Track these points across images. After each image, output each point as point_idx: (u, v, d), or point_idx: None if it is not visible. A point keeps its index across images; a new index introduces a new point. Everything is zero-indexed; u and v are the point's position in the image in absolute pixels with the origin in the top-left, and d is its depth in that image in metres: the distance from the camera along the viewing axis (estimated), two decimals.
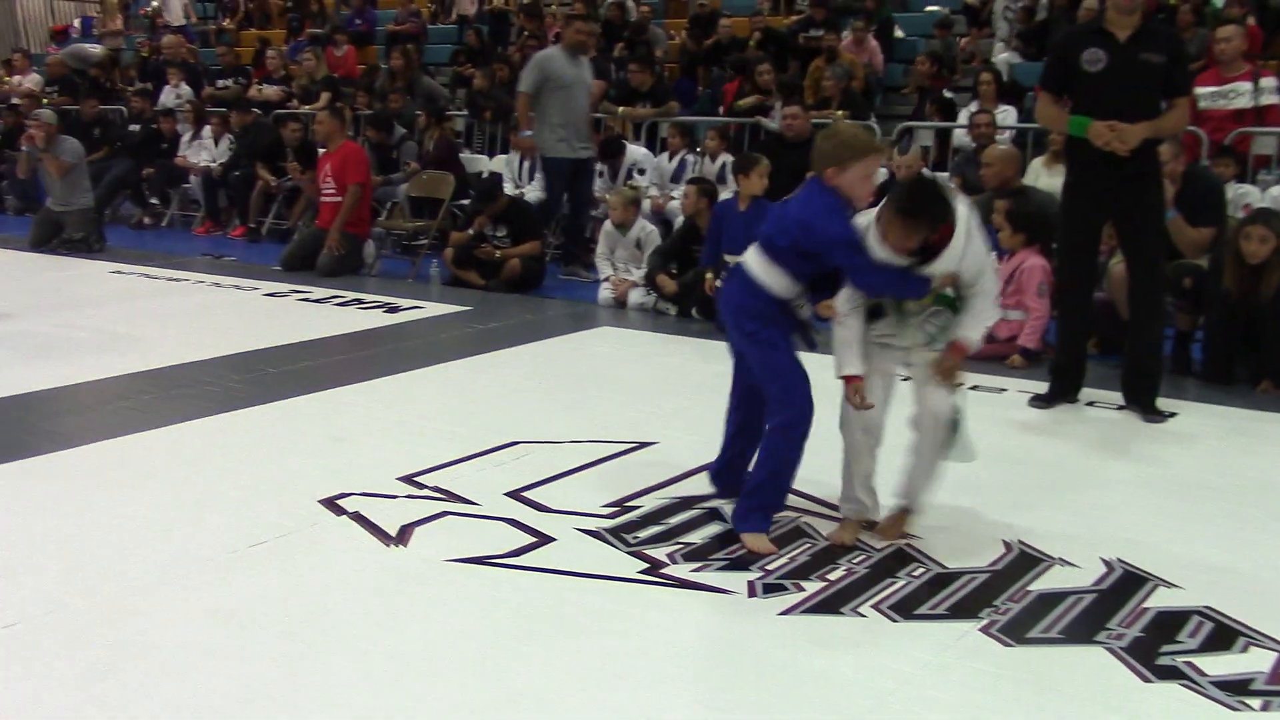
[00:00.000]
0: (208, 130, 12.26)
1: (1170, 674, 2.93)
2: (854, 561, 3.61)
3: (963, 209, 3.57)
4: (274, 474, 4.37)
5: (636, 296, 7.82)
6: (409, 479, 4.29)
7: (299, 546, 3.68)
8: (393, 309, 7.76)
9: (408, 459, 4.50)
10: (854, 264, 3.55)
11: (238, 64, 14.67)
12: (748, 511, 3.78)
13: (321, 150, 10.00)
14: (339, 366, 6.23)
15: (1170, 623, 3.20)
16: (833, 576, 3.49)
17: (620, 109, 10.87)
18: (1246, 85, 8.18)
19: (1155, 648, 3.06)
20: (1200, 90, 8.32)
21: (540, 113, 8.89)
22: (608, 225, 8.30)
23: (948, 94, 10.50)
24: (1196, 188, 6.40)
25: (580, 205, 9.21)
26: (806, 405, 3.72)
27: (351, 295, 8.25)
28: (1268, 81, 8.31)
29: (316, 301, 8.06)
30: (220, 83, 14.04)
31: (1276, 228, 5.76)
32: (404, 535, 3.76)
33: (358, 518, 3.91)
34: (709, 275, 7.07)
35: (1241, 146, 8.02)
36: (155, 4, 18.55)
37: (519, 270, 8.50)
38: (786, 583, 3.44)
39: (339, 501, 4.05)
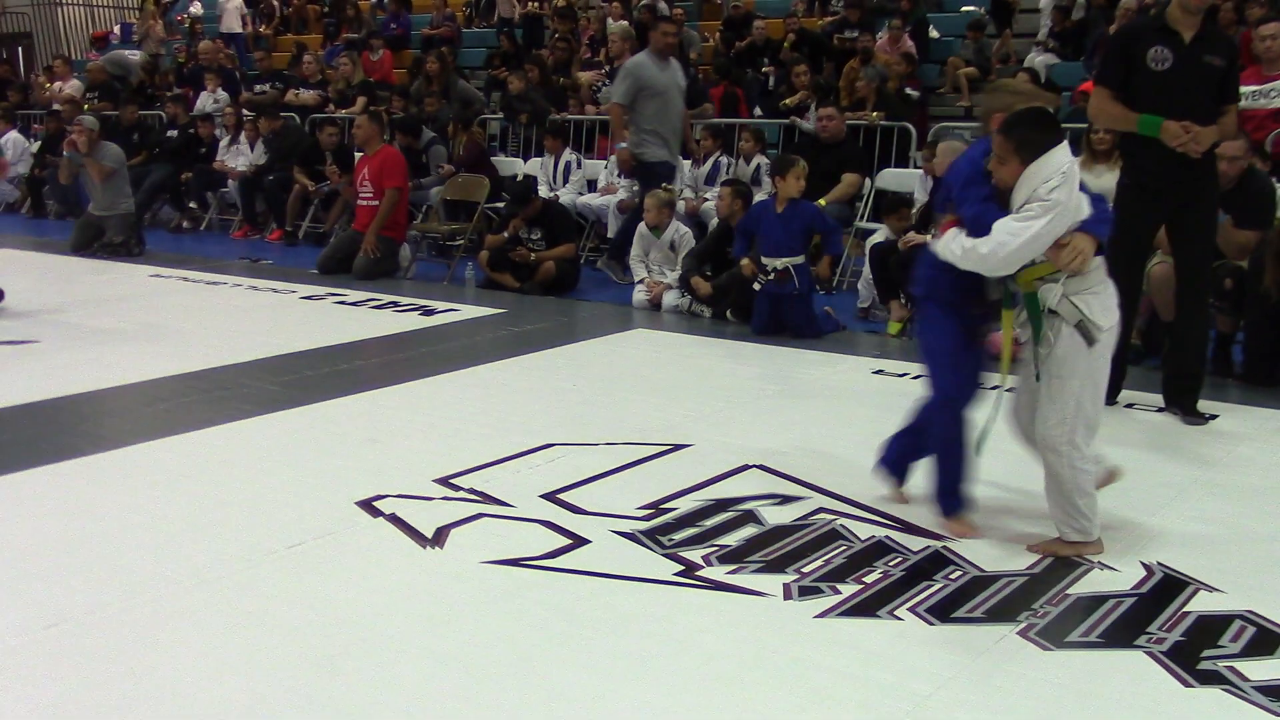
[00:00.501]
0: (244, 135, 12.37)
1: (1212, 679, 2.89)
2: (890, 564, 3.59)
3: (1064, 156, 3.46)
4: (311, 476, 4.40)
5: (671, 299, 7.82)
6: (445, 481, 4.31)
7: (336, 548, 3.70)
8: (428, 311, 7.79)
9: (443, 461, 4.52)
10: (964, 196, 3.56)
11: (274, 69, 14.78)
12: (935, 498, 3.87)
13: (359, 154, 10.06)
14: (375, 369, 6.27)
15: (1212, 627, 3.17)
16: (869, 579, 3.48)
17: None
18: None
19: (1197, 652, 3.02)
20: (1240, 89, 8.20)
21: (635, 121, 8.70)
22: (642, 227, 8.31)
23: (911, 91, 10.58)
24: (1250, 191, 6.28)
25: None
26: (955, 386, 3.77)
27: (387, 298, 8.30)
28: None
29: (353, 304, 8.11)
30: (258, 88, 14.16)
31: None
32: (440, 537, 3.78)
33: (394, 519, 3.93)
34: (745, 261, 7.03)
35: (1277, 147, 7.90)
36: (193, 10, 18.73)
37: (554, 272, 8.51)
38: (823, 585, 3.43)
39: (375, 503, 4.07)
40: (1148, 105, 5.02)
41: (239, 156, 12.31)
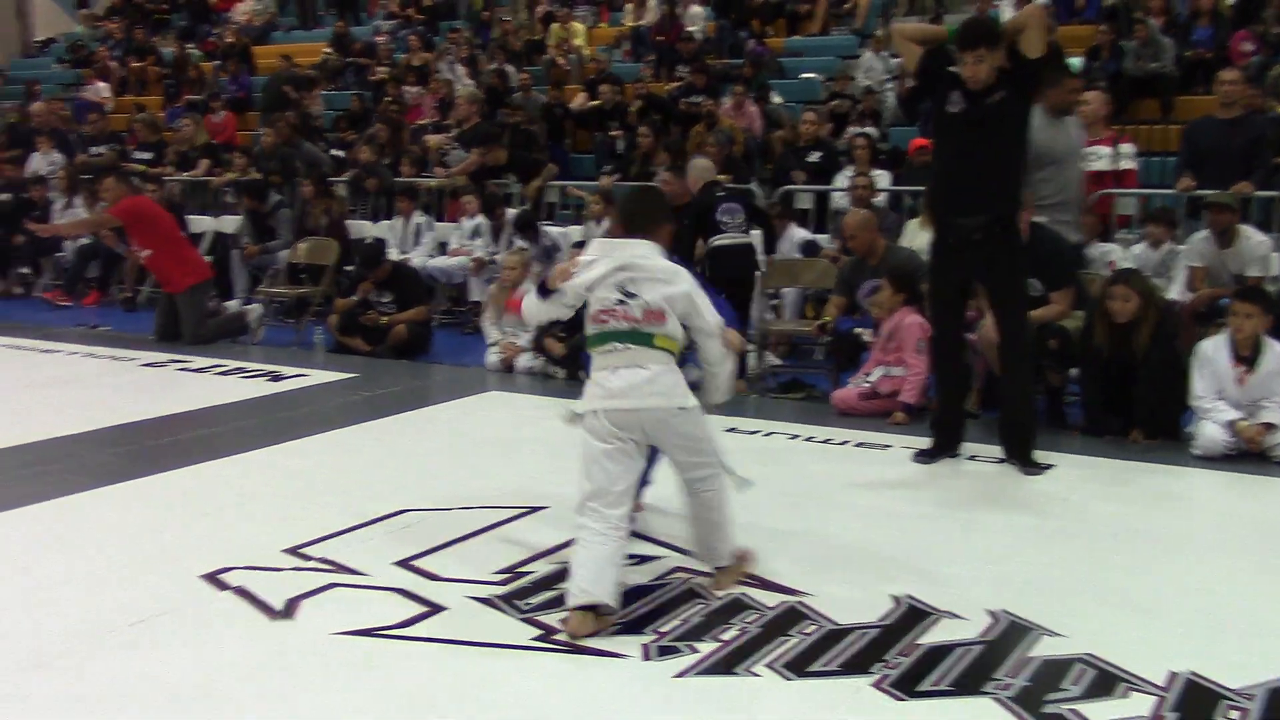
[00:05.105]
0: (80, 199, 11.95)
1: None
2: (747, 621, 3.62)
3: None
4: (153, 549, 4.24)
5: (524, 360, 7.81)
6: (295, 550, 4.20)
7: (181, 623, 3.57)
8: (276, 377, 7.62)
9: (293, 530, 4.41)
10: None
11: (112, 130, 14.38)
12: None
13: None
14: (221, 437, 6.08)
15: (1055, 671, 3.27)
16: (726, 636, 3.50)
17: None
18: (1106, 150, 8.55)
19: (1041, 696, 3.12)
20: None
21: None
22: (493, 289, 8.31)
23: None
24: (1040, 251, 5.98)
25: None
26: None
27: (233, 364, 8.09)
28: (1126, 147, 8.72)
29: (196, 371, 7.88)
30: (93, 150, 13.74)
31: (1138, 286, 5.93)
32: (290, 609, 3.67)
33: (241, 592, 3.81)
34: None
35: (1102, 208, 8.35)
36: None
37: (405, 336, 8.44)
38: (681, 645, 3.44)
39: (221, 576, 3.94)
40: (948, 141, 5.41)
41: None
